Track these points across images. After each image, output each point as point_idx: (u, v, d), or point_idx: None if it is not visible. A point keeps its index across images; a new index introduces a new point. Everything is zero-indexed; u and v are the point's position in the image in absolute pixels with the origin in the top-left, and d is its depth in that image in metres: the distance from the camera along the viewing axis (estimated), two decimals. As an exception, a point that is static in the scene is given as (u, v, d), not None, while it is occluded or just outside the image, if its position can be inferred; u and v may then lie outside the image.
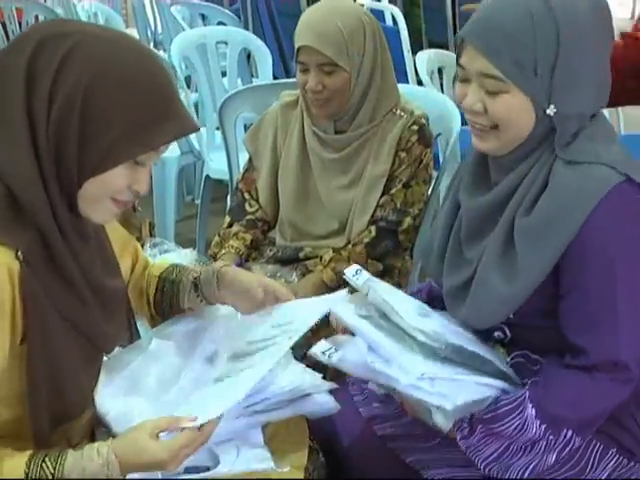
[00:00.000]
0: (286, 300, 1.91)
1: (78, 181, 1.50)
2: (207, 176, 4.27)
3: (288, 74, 5.08)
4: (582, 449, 1.86)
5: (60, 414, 1.58)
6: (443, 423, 1.77)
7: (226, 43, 4.52)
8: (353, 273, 1.92)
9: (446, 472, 1.87)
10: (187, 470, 1.69)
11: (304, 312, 1.84)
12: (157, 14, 6.37)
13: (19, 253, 1.47)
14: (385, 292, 1.91)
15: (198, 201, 4.82)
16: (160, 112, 1.52)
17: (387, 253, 2.61)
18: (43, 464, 1.51)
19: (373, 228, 2.60)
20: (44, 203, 1.49)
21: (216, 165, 4.21)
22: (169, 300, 1.96)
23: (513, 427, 1.79)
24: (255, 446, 1.78)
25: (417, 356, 1.78)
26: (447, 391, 1.76)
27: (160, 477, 1.65)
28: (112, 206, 1.57)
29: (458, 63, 1.85)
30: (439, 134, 2.87)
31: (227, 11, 5.58)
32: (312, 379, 1.84)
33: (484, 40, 1.77)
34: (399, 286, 2.52)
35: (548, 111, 1.79)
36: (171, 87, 1.57)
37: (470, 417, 1.81)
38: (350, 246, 2.60)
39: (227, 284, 1.92)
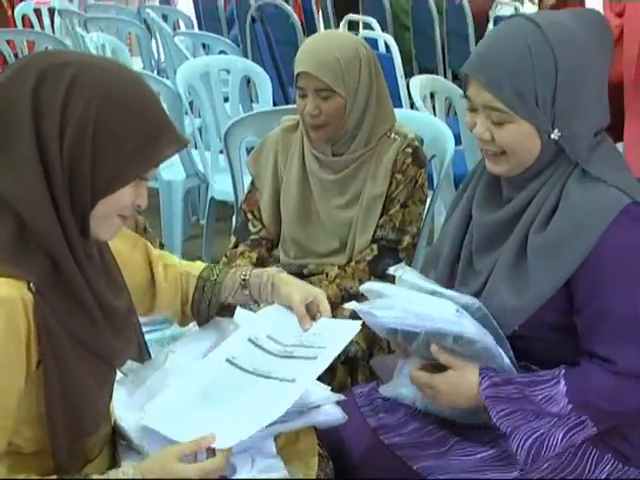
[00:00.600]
0: (324, 315, 1.91)
1: (92, 202, 1.50)
2: (212, 198, 4.28)
3: (287, 100, 5.11)
4: (580, 455, 1.89)
5: (77, 430, 1.58)
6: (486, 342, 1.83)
7: (228, 71, 4.53)
8: (397, 268, 1.99)
9: (456, 478, 1.87)
10: None
11: (335, 333, 1.85)
12: (160, 44, 6.40)
13: (31, 285, 1.46)
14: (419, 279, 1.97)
15: (203, 221, 4.85)
16: (159, 130, 1.55)
17: (387, 269, 2.60)
18: None
19: (375, 247, 2.61)
20: (57, 229, 1.48)
21: (220, 187, 4.22)
22: (209, 299, 1.98)
23: (542, 396, 1.81)
24: (268, 456, 1.78)
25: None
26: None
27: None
28: (119, 222, 1.59)
29: (465, 95, 1.87)
30: (433, 156, 2.88)
31: (227, 40, 5.57)
32: (321, 391, 1.85)
33: (486, 75, 1.80)
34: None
35: (553, 136, 1.83)
36: (162, 107, 1.60)
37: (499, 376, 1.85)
38: (354, 264, 2.61)
39: (279, 293, 1.95)
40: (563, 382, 1.81)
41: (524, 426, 1.82)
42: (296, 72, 2.55)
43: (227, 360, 1.83)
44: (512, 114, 1.80)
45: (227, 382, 1.80)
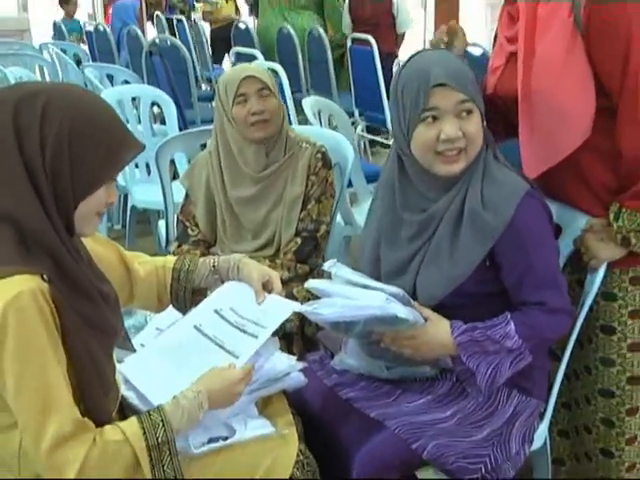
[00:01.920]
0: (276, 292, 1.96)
1: (74, 205, 1.54)
2: (133, 206, 4.22)
3: (184, 120, 5.08)
4: (494, 395, 1.96)
5: (97, 391, 1.59)
6: (411, 320, 1.86)
7: (137, 98, 4.47)
8: (330, 263, 2.00)
9: (405, 420, 1.90)
10: (211, 440, 1.72)
11: (275, 313, 1.88)
12: (62, 75, 6.25)
13: (44, 276, 1.48)
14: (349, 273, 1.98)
15: (118, 226, 4.79)
16: (121, 138, 1.58)
17: (310, 255, 2.65)
18: (151, 417, 1.58)
19: (298, 239, 2.64)
20: (50, 231, 1.51)
21: (140, 197, 4.17)
22: (184, 286, 1.98)
23: (499, 334, 1.87)
24: (255, 417, 1.83)
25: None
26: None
27: (195, 451, 1.69)
28: (97, 219, 1.62)
29: (425, 109, 1.86)
30: (336, 163, 2.89)
31: (129, 71, 5.52)
32: (287, 361, 1.89)
33: (455, 81, 1.85)
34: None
35: (484, 124, 1.92)
36: (120, 119, 1.63)
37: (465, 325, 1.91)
38: (282, 255, 2.64)
39: (242, 273, 1.97)
40: (512, 322, 1.88)
41: (484, 362, 1.87)
42: (237, 83, 2.57)
43: (195, 327, 1.86)
44: (474, 105, 1.87)
45: (191, 346, 1.83)
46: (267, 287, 1.96)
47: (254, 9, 7.74)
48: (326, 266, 1.99)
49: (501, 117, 2.15)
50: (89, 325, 1.57)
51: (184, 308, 2.02)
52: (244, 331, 1.83)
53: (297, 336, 2.55)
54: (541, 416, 2.08)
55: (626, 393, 2.17)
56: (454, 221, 1.93)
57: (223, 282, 2.01)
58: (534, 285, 1.90)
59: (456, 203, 1.93)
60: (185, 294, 1.99)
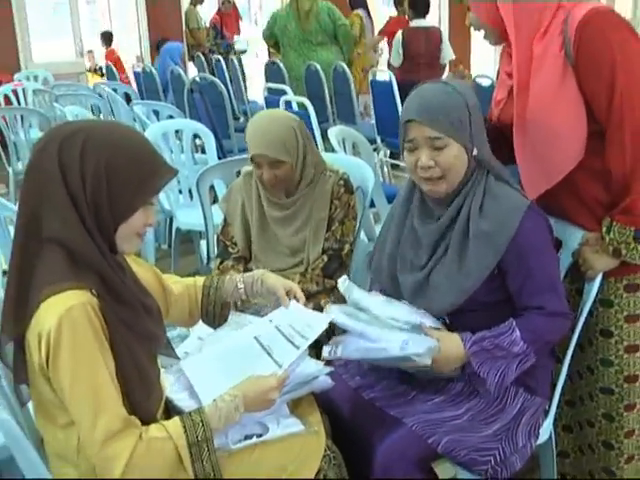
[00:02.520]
0: (300, 300, 2.02)
1: (114, 229, 1.59)
2: (177, 228, 4.26)
3: (222, 149, 5.13)
4: (502, 393, 1.97)
5: (141, 393, 1.62)
6: (427, 360, 1.87)
7: (180, 131, 4.51)
8: (342, 281, 2.06)
9: (422, 417, 1.92)
10: (247, 437, 1.75)
11: (314, 326, 1.91)
12: (114, 112, 6.33)
13: (93, 291, 1.54)
14: (360, 294, 2.02)
15: (164, 246, 4.84)
16: (154, 166, 1.63)
17: (336, 272, 2.64)
18: (192, 417, 1.62)
19: (325, 256, 2.65)
20: (95, 252, 1.57)
21: (183, 219, 4.21)
22: (214, 301, 2.05)
23: (507, 341, 1.90)
24: (287, 417, 1.84)
25: (394, 331, 1.90)
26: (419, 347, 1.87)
27: (232, 447, 1.71)
28: (137, 239, 1.66)
29: (406, 140, 1.94)
30: (358, 187, 2.90)
31: (173, 107, 5.57)
32: (316, 365, 1.91)
33: (427, 116, 1.88)
34: (343, 299, 2.61)
35: (474, 152, 1.93)
36: (153, 148, 1.67)
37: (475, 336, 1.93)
38: (310, 270, 2.64)
39: (266, 287, 2.04)
40: (517, 329, 1.90)
41: (493, 368, 1.89)
42: (251, 153, 2.59)
43: (255, 337, 1.90)
44: (447, 139, 1.89)
45: (246, 353, 1.87)
46: (290, 295, 2.02)
47: (275, 49, 7.75)
48: (340, 284, 2.05)
49: (505, 143, 2.16)
50: (133, 333, 1.62)
51: (212, 321, 2.07)
52: (292, 343, 1.86)
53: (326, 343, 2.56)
54: (546, 413, 2.09)
55: (624, 390, 2.17)
56: (461, 236, 1.96)
57: (247, 296, 2.07)
58: (535, 291, 1.92)
59: (462, 219, 1.96)
60: (214, 308, 2.05)
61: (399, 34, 7.07)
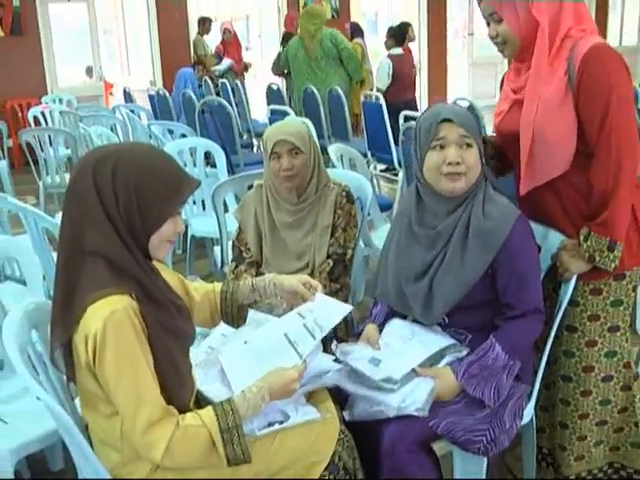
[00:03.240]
0: (318, 288, 2.01)
1: (147, 238, 1.62)
2: (192, 235, 4.27)
3: (230, 164, 5.14)
4: None
5: (176, 384, 1.66)
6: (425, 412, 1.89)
7: (193, 148, 4.54)
8: (335, 347, 2.06)
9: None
10: (270, 424, 1.76)
11: (332, 316, 1.92)
12: (132, 131, 6.34)
13: (132, 295, 1.57)
14: (352, 358, 2.02)
15: (179, 251, 4.86)
16: (178, 180, 1.64)
17: (340, 275, 2.67)
18: (223, 406, 1.64)
19: (330, 261, 2.66)
20: (132, 261, 1.60)
21: (198, 227, 4.22)
22: (231, 304, 2.06)
23: (490, 359, 1.94)
24: (304, 405, 1.86)
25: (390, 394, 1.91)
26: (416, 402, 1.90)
27: (258, 433, 1.73)
28: (168, 245, 1.69)
29: (435, 139, 1.97)
30: (358, 198, 2.94)
31: (185, 126, 5.60)
32: (328, 361, 1.93)
33: (459, 120, 1.95)
34: (346, 299, 2.65)
35: (483, 160, 2.01)
36: (177, 163, 1.69)
37: (464, 362, 1.96)
38: (317, 274, 2.64)
39: (281, 288, 2.04)
40: (497, 345, 1.95)
41: (486, 388, 1.93)
42: (272, 143, 2.61)
43: (284, 334, 1.88)
44: (472, 140, 1.96)
45: (276, 347, 1.86)
46: (307, 287, 2.02)
47: (286, 75, 7.84)
48: (334, 350, 2.04)
49: (498, 155, 2.23)
50: (167, 331, 1.64)
51: (232, 322, 2.09)
52: (312, 334, 1.87)
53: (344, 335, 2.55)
54: (529, 397, 2.12)
55: (581, 379, 2.22)
56: (462, 237, 1.99)
57: (262, 297, 2.08)
58: (516, 289, 1.96)
59: (462, 222, 1.99)
60: (232, 310, 2.07)
61: (386, 60, 7.20)
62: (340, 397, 2.00)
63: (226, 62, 9.55)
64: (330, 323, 1.88)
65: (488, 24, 2.07)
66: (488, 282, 1.99)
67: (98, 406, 1.63)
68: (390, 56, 7.44)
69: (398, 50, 7.54)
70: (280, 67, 7.93)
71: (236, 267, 2.81)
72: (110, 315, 1.51)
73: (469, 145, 1.96)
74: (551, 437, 2.36)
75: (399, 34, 7.60)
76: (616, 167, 1.95)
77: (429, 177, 2.02)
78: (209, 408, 1.64)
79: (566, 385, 2.25)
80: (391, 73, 7.31)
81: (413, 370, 1.97)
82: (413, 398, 1.90)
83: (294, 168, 2.61)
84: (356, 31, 8.66)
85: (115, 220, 1.57)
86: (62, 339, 1.60)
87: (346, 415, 1.93)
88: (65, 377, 1.70)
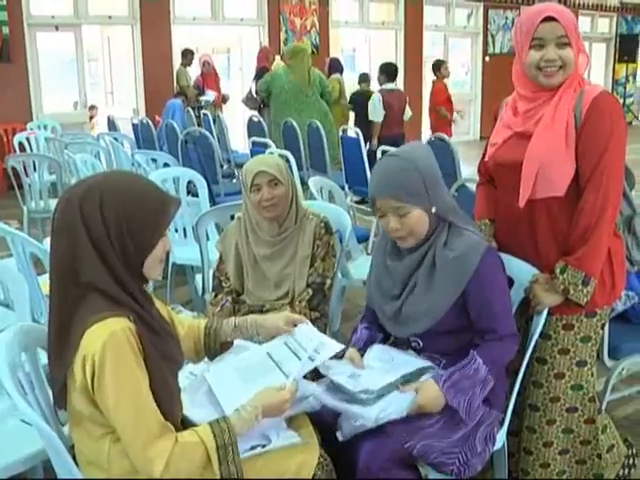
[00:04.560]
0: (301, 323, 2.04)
1: (141, 262, 1.63)
2: (174, 262, 4.25)
3: (212, 193, 5.16)
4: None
5: (169, 404, 1.67)
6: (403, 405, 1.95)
7: (176, 178, 4.55)
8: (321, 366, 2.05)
9: (400, 425, 1.96)
10: (253, 447, 1.78)
11: (324, 351, 1.95)
12: (116, 159, 6.33)
13: (131, 317, 1.59)
14: (333, 373, 2.04)
15: (159, 277, 4.81)
16: (163, 203, 1.67)
17: (319, 303, 2.70)
18: (219, 424, 1.66)
19: (309, 290, 2.68)
20: (125, 295, 1.61)
21: (179, 255, 4.18)
22: (214, 340, 2.06)
23: (471, 370, 1.98)
24: (286, 430, 1.88)
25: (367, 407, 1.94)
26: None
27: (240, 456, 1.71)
28: (160, 265, 1.70)
29: (375, 208, 2.06)
30: (337, 230, 2.96)
31: (169, 155, 5.61)
32: (310, 385, 1.97)
33: (389, 192, 2.01)
34: (325, 327, 2.69)
35: (433, 210, 2.03)
36: (158, 187, 1.71)
37: (445, 375, 2.00)
38: (297, 302, 2.67)
39: (264, 328, 2.05)
40: (478, 358, 1.99)
41: (462, 398, 1.97)
42: (252, 176, 2.64)
43: (267, 353, 1.94)
44: (409, 207, 2.00)
45: (261, 367, 1.91)
46: (290, 325, 2.04)
47: (265, 105, 7.92)
48: (320, 366, 2.04)
49: (491, 178, 2.33)
50: (161, 355, 1.66)
51: (214, 357, 2.09)
52: (297, 356, 1.91)
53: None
54: (501, 423, 2.16)
55: (548, 408, 2.27)
56: (429, 269, 2.06)
57: (244, 336, 2.09)
58: (492, 317, 2.02)
59: (429, 255, 2.06)
60: (215, 346, 2.07)
61: (378, 94, 7.44)
62: (322, 422, 2.02)
63: (211, 94, 9.64)
64: (322, 356, 1.92)
65: (536, 47, 2.06)
66: (460, 310, 2.04)
67: (88, 428, 1.64)
68: (381, 91, 7.60)
69: (390, 85, 7.74)
70: (255, 101, 8.07)
71: (215, 296, 2.84)
72: (109, 337, 1.53)
73: (404, 214, 2.01)
74: (521, 461, 2.40)
75: (391, 70, 7.87)
76: (601, 206, 2.03)
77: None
78: (205, 425, 1.66)
79: (533, 414, 2.30)
80: (382, 107, 7.46)
81: (396, 387, 2.00)
82: (393, 408, 1.93)
83: (275, 198, 2.64)
84: (335, 67, 8.84)
85: (106, 252, 1.58)
86: (60, 375, 1.61)
87: (339, 435, 1.96)
88: (53, 401, 1.71)
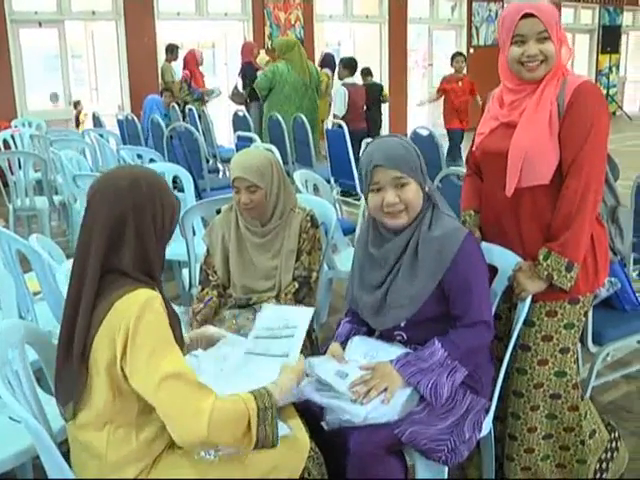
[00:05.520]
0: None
1: (164, 251, 1.73)
2: (161, 257, 4.26)
3: (197, 188, 5.16)
4: (454, 396, 2.04)
5: None
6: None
7: (164, 173, 4.54)
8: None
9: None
10: None
11: (293, 316, 2.01)
12: (101, 155, 6.31)
13: (155, 289, 1.64)
14: (320, 370, 2.05)
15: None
16: (177, 200, 1.74)
17: (305, 296, 2.70)
18: (259, 390, 1.73)
19: (295, 283, 2.69)
20: (157, 278, 1.69)
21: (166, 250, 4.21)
22: None
23: (427, 353, 2.01)
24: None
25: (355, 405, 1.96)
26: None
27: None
28: None
29: (372, 183, 2.05)
30: (322, 222, 2.96)
31: (153, 151, 5.61)
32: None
33: (391, 162, 2.01)
34: (313, 318, 2.64)
35: (426, 188, 2.07)
36: (162, 178, 1.76)
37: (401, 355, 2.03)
38: (283, 295, 2.68)
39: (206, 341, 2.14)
40: (437, 341, 2.02)
41: (424, 379, 1.98)
42: (233, 177, 2.65)
43: (245, 353, 1.97)
44: (408, 178, 2.02)
45: (249, 366, 1.94)
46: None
47: (252, 100, 7.88)
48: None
49: (478, 169, 2.35)
50: (174, 335, 1.67)
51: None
52: (280, 337, 1.95)
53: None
54: (487, 410, 2.17)
55: (532, 394, 2.30)
56: (412, 255, 2.07)
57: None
58: (465, 302, 2.03)
59: (412, 241, 2.07)
60: None
61: (343, 89, 7.37)
62: (308, 410, 2.03)
63: (217, 89, 9.67)
64: (303, 322, 1.98)
65: (517, 44, 2.09)
66: (440, 297, 2.05)
67: (91, 419, 1.65)
68: (345, 85, 7.58)
69: (352, 79, 7.70)
70: (241, 96, 8.02)
71: (202, 290, 2.84)
72: (146, 301, 1.57)
73: (404, 184, 2.03)
74: (507, 445, 2.42)
75: (352, 65, 7.80)
76: (583, 193, 2.05)
77: (374, 214, 2.13)
78: (247, 392, 1.70)
79: (517, 400, 2.32)
80: (347, 101, 7.43)
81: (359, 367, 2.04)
82: (385, 410, 1.95)
83: (252, 202, 2.66)
84: (327, 62, 8.84)
85: (146, 240, 1.63)
86: (79, 360, 1.61)
87: (324, 425, 1.97)
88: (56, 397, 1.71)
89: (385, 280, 2.12)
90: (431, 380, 1.98)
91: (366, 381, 2.00)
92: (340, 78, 7.81)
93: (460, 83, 8.19)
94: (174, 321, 1.69)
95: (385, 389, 1.98)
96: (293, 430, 1.86)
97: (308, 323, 1.97)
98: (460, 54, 8.57)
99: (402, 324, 2.12)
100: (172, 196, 1.71)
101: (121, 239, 1.62)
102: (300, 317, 1.98)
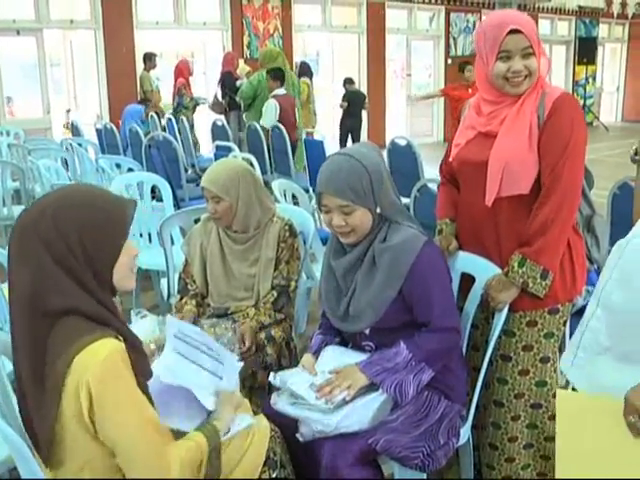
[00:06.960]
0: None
1: (110, 274, 1.59)
2: (139, 267, 4.23)
3: (176, 197, 5.14)
4: (426, 402, 2.07)
5: None
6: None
7: (140, 183, 4.53)
8: (273, 378, 2.12)
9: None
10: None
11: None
12: (79, 164, 6.27)
13: (117, 336, 1.55)
14: (292, 383, 2.08)
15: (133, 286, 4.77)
16: (118, 205, 1.63)
17: (284, 305, 2.72)
18: (208, 429, 1.77)
19: (274, 292, 2.71)
20: (103, 310, 1.56)
21: (144, 260, 4.08)
22: None
23: (391, 353, 2.03)
24: (239, 415, 1.91)
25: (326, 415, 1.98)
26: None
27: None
28: (132, 274, 1.67)
29: (321, 204, 2.09)
30: (301, 231, 2.99)
31: (132, 160, 5.59)
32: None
33: (334, 189, 2.02)
34: (290, 329, 2.74)
35: (378, 210, 2.07)
36: (107, 190, 1.69)
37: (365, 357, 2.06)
38: (262, 304, 2.69)
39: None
40: (402, 343, 2.04)
41: (388, 378, 2.00)
42: (202, 187, 2.71)
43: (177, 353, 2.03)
44: (354, 206, 2.03)
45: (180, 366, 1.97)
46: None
47: (232, 109, 7.88)
48: (272, 380, 2.13)
49: (453, 179, 2.36)
50: (142, 373, 1.62)
51: None
52: (203, 352, 1.96)
53: (275, 367, 2.57)
54: (464, 418, 2.19)
55: (512, 405, 2.31)
56: (369, 265, 2.09)
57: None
58: (427, 310, 2.04)
59: (369, 253, 2.09)
60: None
61: (273, 101, 7.18)
62: (284, 425, 2.03)
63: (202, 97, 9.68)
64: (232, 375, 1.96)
65: (503, 59, 2.10)
66: (403, 305, 2.06)
67: (65, 461, 1.60)
68: (275, 96, 7.35)
69: (282, 91, 7.42)
70: (221, 106, 8.04)
71: (181, 299, 2.84)
72: (104, 361, 1.48)
73: (348, 213, 2.04)
74: (484, 455, 2.44)
75: (279, 76, 7.49)
76: (560, 202, 2.07)
77: (328, 229, 2.16)
78: (196, 432, 1.74)
79: (498, 410, 2.33)
80: (278, 113, 7.23)
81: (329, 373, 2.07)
82: (356, 419, 1.96)
83: (217, 213, 2.70)
84: (305, 71, 8.87)
85: (73, 270, 1.53)
86: (50, 417, 1.53)
87: (299, 437, 1.99)
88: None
89: (347, 289, 2.14)
90: (396, 379, 2.00)
91: (330, 382, 2.02)
92: (270, 91, 7.53)
93: (470, 90, 8.20)
94: (140, 363, 1.62)
95: (349, 387, 2.00)
96: (255, 418, 1.92)
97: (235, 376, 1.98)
98: (469, 63, 8.51)
99: (367, 332, 2.14)
100: (102, 212, 1.57)
101: (42, 276, 1.52)
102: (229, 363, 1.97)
